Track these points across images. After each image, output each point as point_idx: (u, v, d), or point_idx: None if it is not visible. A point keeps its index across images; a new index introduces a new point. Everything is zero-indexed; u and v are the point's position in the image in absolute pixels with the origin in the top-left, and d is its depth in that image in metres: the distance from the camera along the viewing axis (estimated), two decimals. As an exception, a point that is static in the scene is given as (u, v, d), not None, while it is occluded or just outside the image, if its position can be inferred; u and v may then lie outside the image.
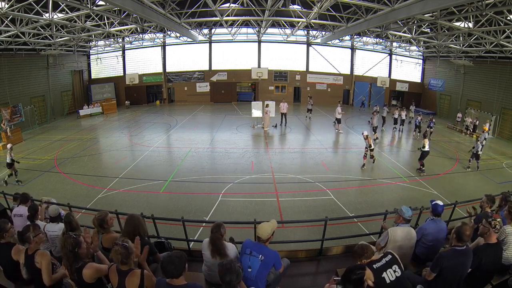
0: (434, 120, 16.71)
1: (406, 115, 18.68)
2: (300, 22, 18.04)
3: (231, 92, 28.87)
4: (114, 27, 17.82)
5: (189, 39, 24.97)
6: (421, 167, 11.44)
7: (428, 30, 17.01)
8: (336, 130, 17.70)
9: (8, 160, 10.23)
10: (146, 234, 3.66)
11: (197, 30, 23.79)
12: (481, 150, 11.91)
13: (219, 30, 25.97)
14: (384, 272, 3.00)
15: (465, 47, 17.96)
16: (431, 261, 3.55)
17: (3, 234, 3.50)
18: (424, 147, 11.30)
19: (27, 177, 10.86)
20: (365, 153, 12.00)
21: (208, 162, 12.72)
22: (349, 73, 28.49)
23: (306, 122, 20.43)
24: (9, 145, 10.71)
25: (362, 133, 12.19)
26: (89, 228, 4.15)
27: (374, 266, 3.02)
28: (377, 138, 15.64)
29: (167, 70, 28.07)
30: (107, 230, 3.72)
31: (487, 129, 15.28)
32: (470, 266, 3.33)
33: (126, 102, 26.97)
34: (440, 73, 24.59)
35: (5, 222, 3.62)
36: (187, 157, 13.08)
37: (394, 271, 3.03)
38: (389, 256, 3.11)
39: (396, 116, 17.93)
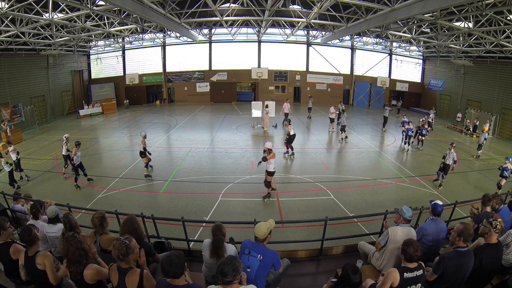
0: (426, 127, 14.96)
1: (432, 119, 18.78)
2: (300, 22, 18.03)
3: (231, 92, 28.86)
4: (114, 27, 17.82)
5: (189, 39, 24.97)
6: (291, 149, 12.95)
7: (428, 30, 17.00)
8: (329, 131, 17.72)
9: (141, 149, 10.41)
10: (143, 236, 3.64)
11: (197, 30, 23.80)
12: (452, 161, 10.30)
13: (219, 30, 25.97)
14: (409, 287, 2.94)
15: (465, 47, 17.96)
16: (431, 261, 3.54)
17: (0, 232, 3.46)
18: (289, 133, 12.80)
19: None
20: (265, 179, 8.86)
21: (208, 162, 12.71)
22: (349, 73, 28.48)
23: (306, 122, 20.42)
24: (143, 133, 10.65)
25: (264, 145, 8.93)
26: (88, 228, 4.15)
27: (405, 275, 2.94)
28: (344, 137, 15.52)
29: (167, 70, 28.06)
30: (105, 229, 3.72)
31: (487, 129, 15.27)
32: (472, 267, 3.31)
33: (125, 101, 26.96)
34: (440, 73, 24.59)
35: (5, 220, 3.58)
36: (187, 157, 13.07)
37: None
38: (421, 271, 3.02)
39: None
